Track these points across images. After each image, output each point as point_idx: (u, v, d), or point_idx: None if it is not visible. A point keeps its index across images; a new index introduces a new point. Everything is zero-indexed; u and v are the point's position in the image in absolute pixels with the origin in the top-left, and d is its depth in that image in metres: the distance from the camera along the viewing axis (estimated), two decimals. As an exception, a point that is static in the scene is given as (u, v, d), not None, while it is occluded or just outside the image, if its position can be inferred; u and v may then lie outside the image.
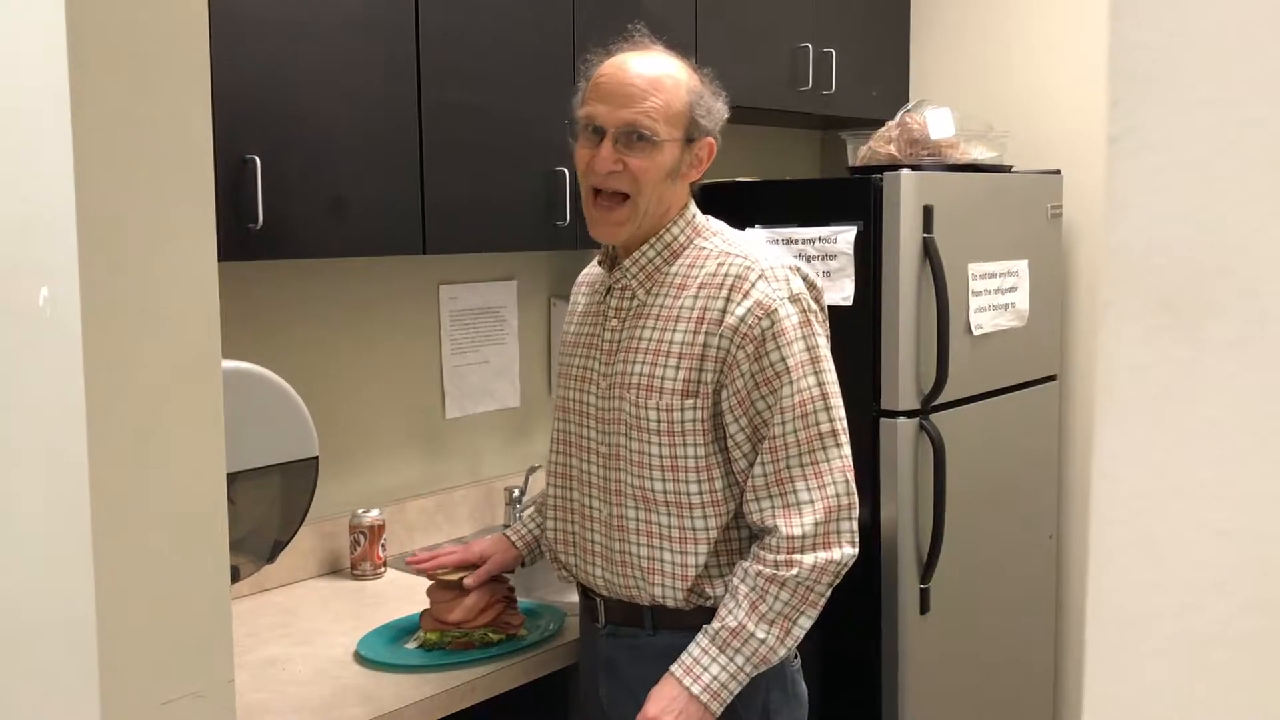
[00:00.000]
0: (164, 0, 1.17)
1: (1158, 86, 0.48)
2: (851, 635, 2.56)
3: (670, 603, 1.74)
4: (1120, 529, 0.51)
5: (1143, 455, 0.50)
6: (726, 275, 1.70)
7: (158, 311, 1.18)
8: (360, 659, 1.97)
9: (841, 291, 2.54)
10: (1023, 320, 2.86)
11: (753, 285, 1.68)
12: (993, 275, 2.74)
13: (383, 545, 2.45)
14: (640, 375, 1.73)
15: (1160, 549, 0.51)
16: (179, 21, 1.19)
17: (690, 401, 1.69)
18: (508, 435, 2.83)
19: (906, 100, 3.19)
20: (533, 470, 2.71)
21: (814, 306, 1.74)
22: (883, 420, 2.54)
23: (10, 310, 1.19)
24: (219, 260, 1.25)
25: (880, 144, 2.78)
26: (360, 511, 2.43)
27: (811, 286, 1.76)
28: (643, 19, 2.51)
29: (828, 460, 1.69)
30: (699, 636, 1.68)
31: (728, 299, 1.68)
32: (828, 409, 1.70)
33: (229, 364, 1.40)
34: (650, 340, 1.73)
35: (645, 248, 1.77)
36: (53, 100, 1.10)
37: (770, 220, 2.66)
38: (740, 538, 1.75)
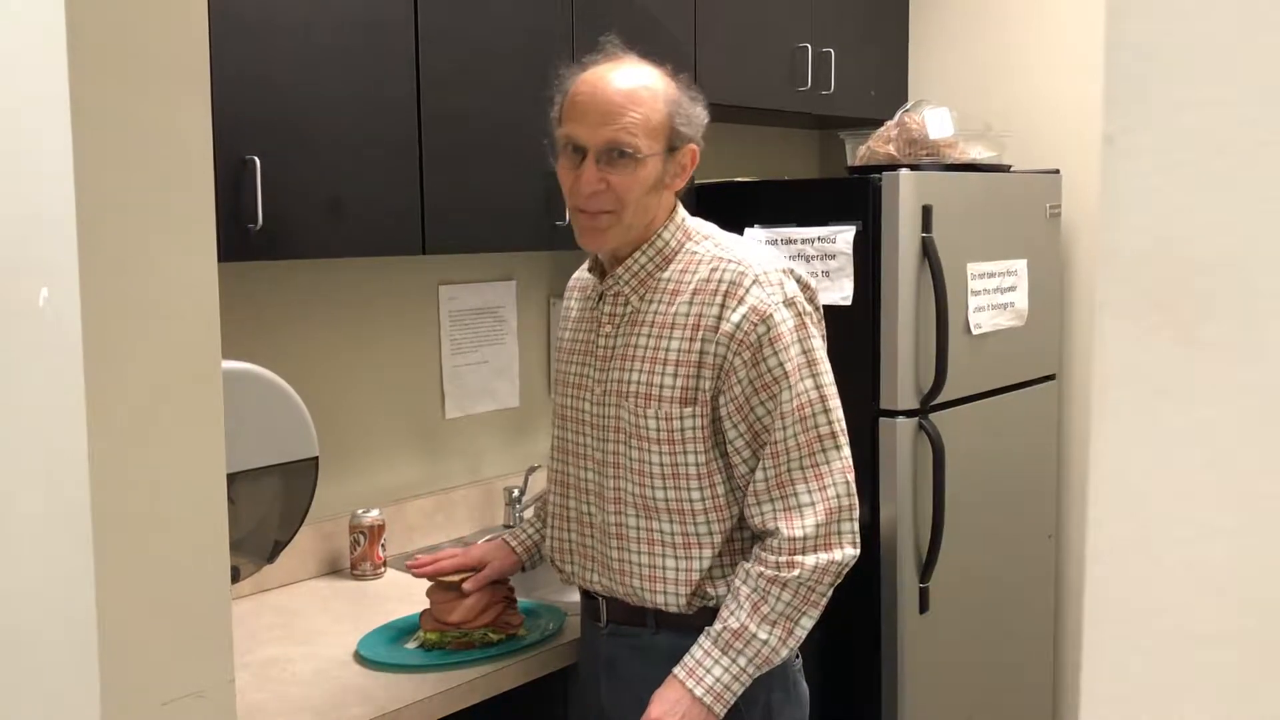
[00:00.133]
0: (163, 1, 1.17)
1: (1153, 87, 0.48)
2: (851, 635, 2.56)
3: (673, 608, 1.74)
4: (1117, 528, 0.52)
5: (1139, 455, 0.50)
6: (720, 281, 1.69)
7: (158, 312, 1.19)
8: (360, 659, 1.97)
9: (840, 291, 2.54)
10: (1022, 320, 2.86)
11: (747, 291, 1.67)
12: (991, 275, 2.74)
13: (383, 545, 2.45)
14: (637, 383, 1.72)
15: (1157, 548, 0.51)
16: (178, 22, 1.19)
17: (689, 409, 1.69)
18: (507, 435, 2.83)
19: (905, 100, 3.20)
20: (532, 470, 2.71)
21: (808, 308, 1.73)
22: (882, 420, 2.54)
23: (10, 311, 1.19)
24: (219, 261, 1.25)
25: (879, 144, 2.78)
26: (360, 512, 2.43)
27: (805, 287, 1.76)
28: (642, 20, 2.51)
29: (828, 462, 1.69)
30: (701, 638, 1.68)
31: (723, 305, 1.67)
32: (826, 411, 1.70)
33: (229, 364, 1.40)
34: (646, 348, 1.73)
35: (637, 254, 1.75)
36: (52, 101, 1.10)
37: (769, 220, 2.66)
38: (743, 538, 1.75)
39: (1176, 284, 0.48)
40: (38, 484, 1.21)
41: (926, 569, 2.57)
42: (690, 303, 1.70)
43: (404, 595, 2.26)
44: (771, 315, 1.66)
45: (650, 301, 1.75)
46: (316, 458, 1.80)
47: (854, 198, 2.55)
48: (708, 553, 1.72)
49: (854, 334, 2.52)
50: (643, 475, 1.73)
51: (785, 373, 1.66)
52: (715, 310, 1.68)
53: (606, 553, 1.79)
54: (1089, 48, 3.08)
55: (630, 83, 1.70)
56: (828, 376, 1.72)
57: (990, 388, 2.79)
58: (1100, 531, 0.52)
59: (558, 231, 2.37)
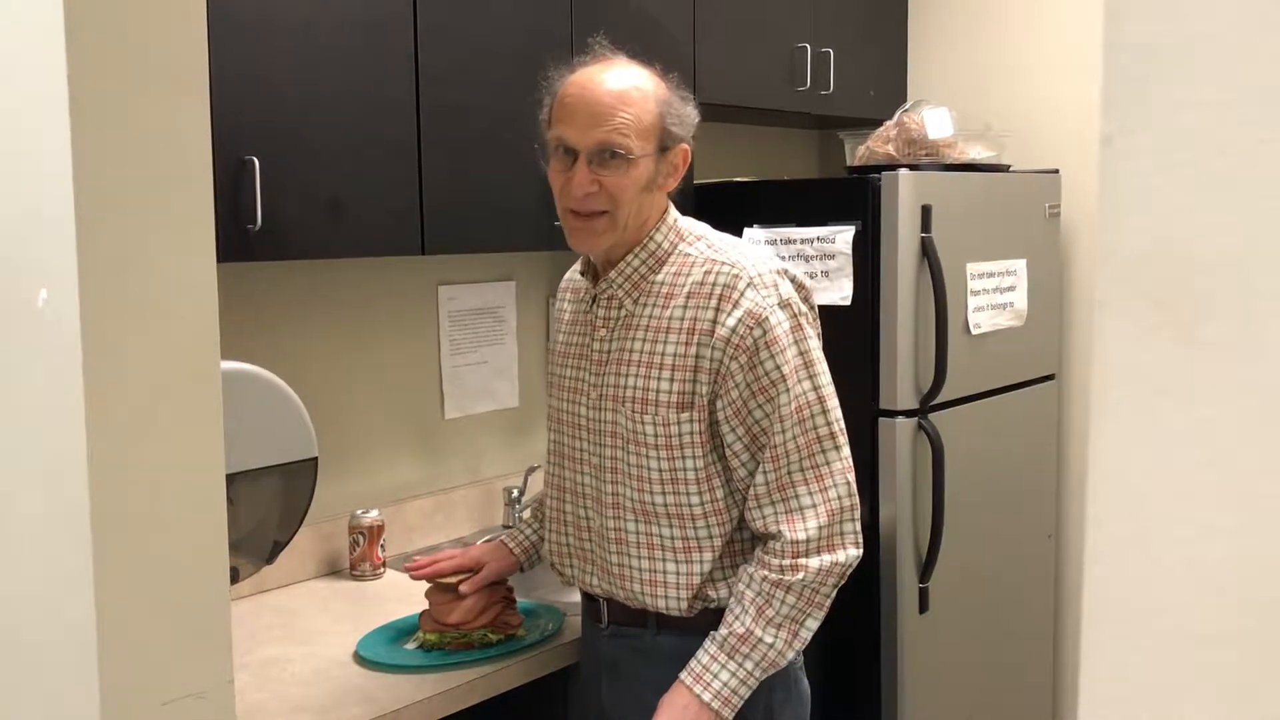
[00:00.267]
0: (162, 2, 1.17)
1: (1152, 87, 0.48)
2: (851, 635, 2.56)
3: (674, 612, 1.74)
4: (1117, 528, 0.52)
5: (1139, 454, 0.50)
6: (715, 284, 1.68)
7: (157, 313, 1.19)
8: (360, 659, 1.97)
9: (840, 291, 2.54)
10: (1021, 320, 2.86)
11: (741, 294, 1.66)
12: (991, 275, 2.74)
13: (382, 546, 2.45)
14: (634, 389, 1.72)
15: (1157, 548, 0.51)
16: (177, 23, 1.19)
17: (686, 414, 1.69)
18: (507, 435, 2.83)
19: (904, 100, 3.19)
20: (532, 470, 2.71)
21: (804, 309, 1.72)
22: (881, 420, 2.54)
23: (9, 311, 1.19)
24: (218, 261, 1.25)
25: (878, 144, 2.78)
26: (359, 512, 2.43)
27: (800, 287, 1.75)
28: (641, 19, 2.51)
29: (828, 464, 1.69)
30: (707, 643, 1.68)
31: (717, 309, 1.67)
32: (825, 412, 1.69)
33: (228, 365, 1.40)
34: (641, 352, 1.72)
35: (630, 257, 1.74)
36: (52, 102, 1.10)
37: (768, 220, 2.66)
38: (743, 540, 1.75)
39: (1176, 284, 0.48)
40: (37, 484, 1.21)
41: (926, 569, 2.57)
42: (685, 306, 1.70)
43: (403, 596, 2.26)
44: (767, 318, 1.66)
45: (644, 305, 1.74)
46: (316, 458, 1.80)
47: (853, 198, 2.55)
48: (708, 556, 1.72)
49: (853, 334, 2.52)
50: (641, 480, 1.72)
51: (782, 375, 1.66)
52: (710, 314, 1.67)
53: (605, 557, 1.79)
54: (1088, 48, 3.08)
55: (621, 83, 1.69)
56: (825, 377, 1.72)
57: (990, 388, 2.79)
58: (1100, 531, 0.52)
59: (557, 232, 2.35)
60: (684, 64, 2.51)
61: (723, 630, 1.67)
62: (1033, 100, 3.19)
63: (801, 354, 1.69)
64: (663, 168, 1.72)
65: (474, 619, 1.95)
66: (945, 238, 2.55)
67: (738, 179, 2.90)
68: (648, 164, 1.69)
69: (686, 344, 1.68)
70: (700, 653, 1.67)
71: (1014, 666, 2.99)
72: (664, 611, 1.75)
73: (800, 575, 1.65)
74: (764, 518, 1.68)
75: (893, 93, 3.27)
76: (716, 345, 1.66)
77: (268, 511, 1.77)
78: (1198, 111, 0.47)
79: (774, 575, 1.66)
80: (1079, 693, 0.53)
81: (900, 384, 2.51)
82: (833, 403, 1.71)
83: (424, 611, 2.00)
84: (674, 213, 1.79)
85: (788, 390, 1.66)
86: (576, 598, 1.96)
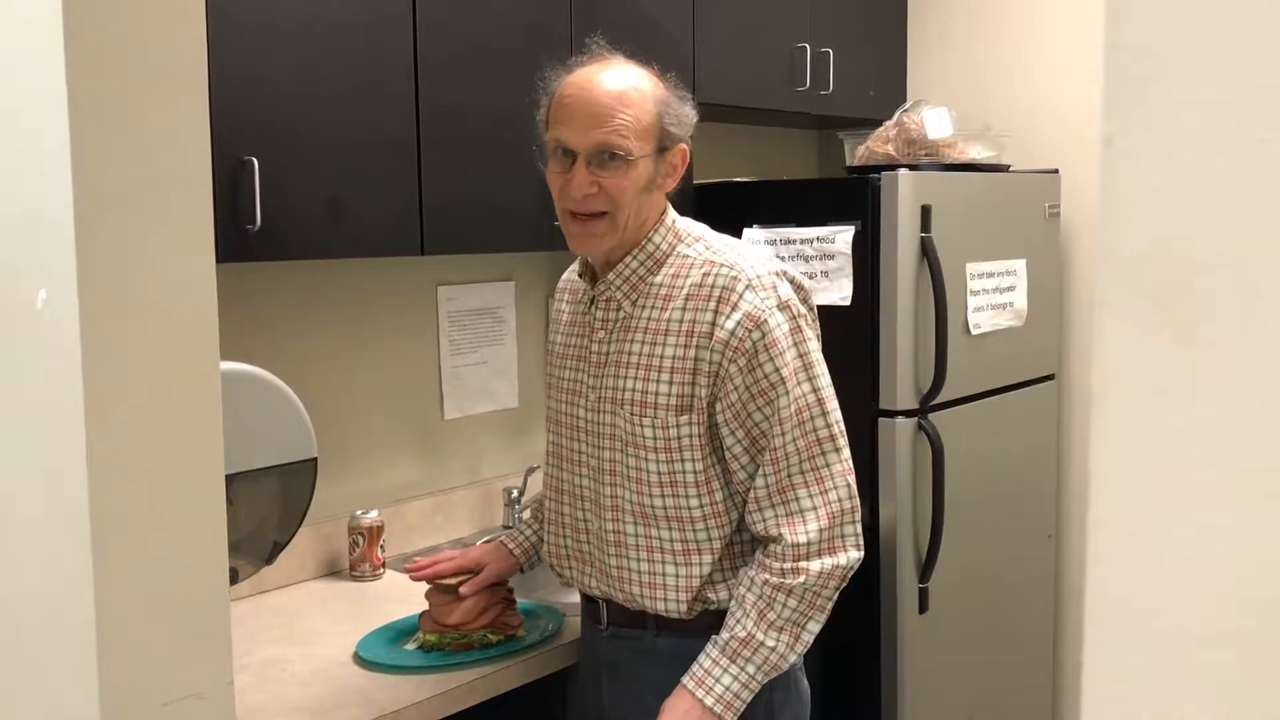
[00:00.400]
0: (161, 2, 1.17)
1: (1152, 87, 0.48)
2: (851, 635, 2.56)
3: (674, 614, 1.74)
4: (1117, 528, 0.52)
5: (1139, 454, 0.50)
6: (713, 286, 1.67)
7: (156, 313, 1.18)
8: (359, 660, 1.97)
9: (839, 291, 2.54)
10: (1021, 320, 2.86)
11: (740, 296, 1.66)
12: (991, 275, 2.74)
13: (381, 546, 2.45)
14: (632, 391, 1.71)
15: (1157, 548, 0.51)
16: (176, 23, 1.19)
17: (685, 417, 1.68)
18: (506, 436, 2.83)
19: (904, 100, 3.19)
20: (531, 471, 2.71)
21: (802, 310, 1.72)
22: (881, 420, 2.54)
23: (9, 312, 1.19)
24: (217, 261, 1.25)
25: (878, 144, 2.78)
26: (359, 513, 2.43)
27: (799, 288, 1.74)
28: (641, 19, 2.51)
29: (828, 466, 1.68)
30: (708, 647, 1.68)
31: (716, 311, 1.66)
32: (824, 414, 1.69)
33: (227, 365, 1.40)
34: (640, 355, 1.71)
35: (628, 259, 1.74)
36: (50, 102, 1.10)
37: (768, 220, 2.66)
38: (742, 542, 1.75)
39: (1176, 284, 0.48)
40: (37, 485, 1.21)
41: (926, 569, 2.57)
42: (684, 309, 1.69)
43: (403, 596, 2.26)
44: (766, 320, 1.65)
45: (643, 307, 1.73)
46: (315, 459, 1.80)
47: (853, 198, 2.55)
48: (708, 559, 1.72)
49: (853, 334, 2.52)
50: (640, 484, 1.72)
51: (782, 378, 1.66)
52: (709, 316, 1.67)
53: (605, 559, 1.79)
54: (1088, 48, 3.09)
55: (619, 84, 1.69)
56: (825, 379, 1.71)
57: (990, 388, 2.79)
58: (1100, 531, 0.52)
59: (557, 232, 2.35)
60: (684, 64, 2.51)
61: (724, 634, 1.67)
62: (1032, 100, 3.19)
63: (801, 356, 1.69)
64: (662, 168, 1.72)
65: (474, 620, 1.95)
66: (945, 238, 2.55)
67: (737, 179, 2.90)
68: (647, 164, 1.69)
69: (685, 346, 1.68)
70: (702, 656, 1.67)
71: (1014, 666, 2.99)
72: (663, 614, 1.75)
73: (801, 578, 1.65)
74: (764, 521, 1.68)
75: (892, 93, 3.27)
76: (715, 348, 1.66)
77: (267, 512, 1.77)
78: (1198, 112, 0.47)
79: (775, 578, 1.65)
80: (1081, 693, 0.53)
81: (900, 384, 2.51)
82: (832, 404, 1.71)
83: (424, 612, 2.00)
84: (672, 213, 1.79)
85: (787, 392, 1.66)
86: (576, 598, 1.96)
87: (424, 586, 1.99)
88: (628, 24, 2.44)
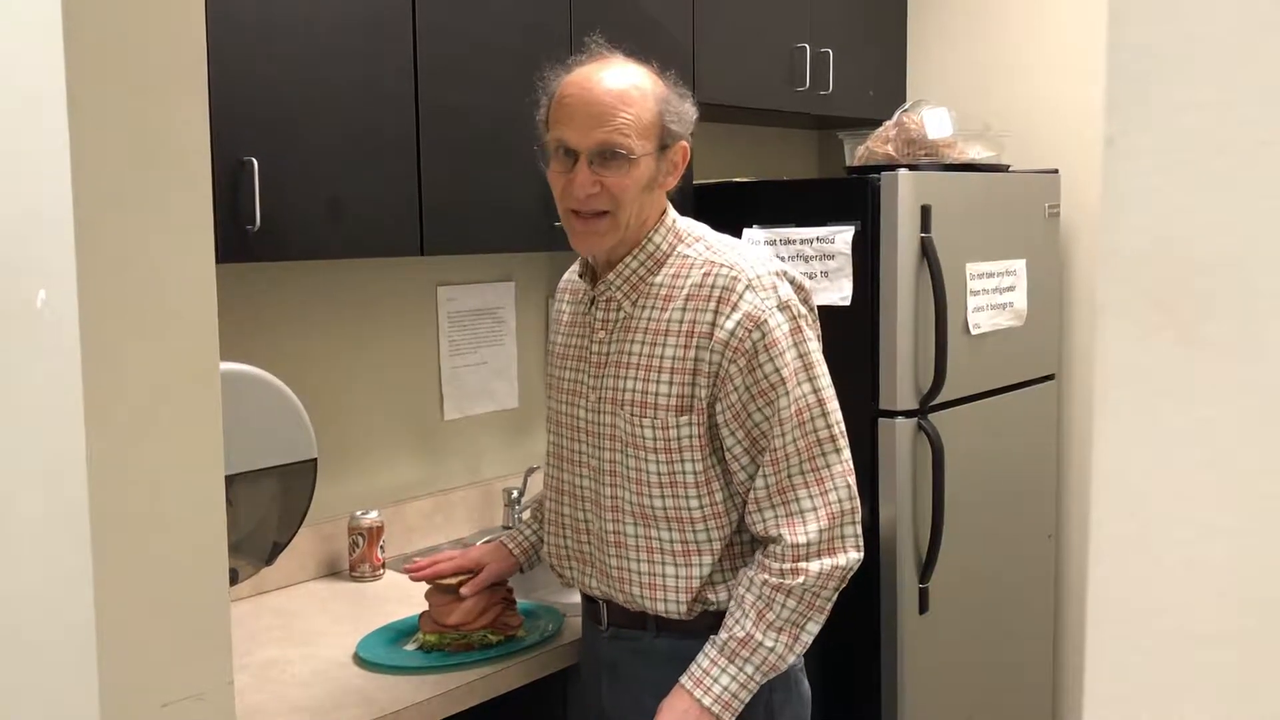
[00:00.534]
0: (161, 2, 1.17)
1: (1154, 88, 0.48)
2: (851, 635, 2.56)
3: (674, 615, 1.74)
4: (1118, 528, 0.52)
5: (1140, 455, 0.50)
6: (714, 287, 1.67)
7: (155, 313, 1.18)
8: (359, 661, 1.97)
9: (839, 292, 2.54)
10: (1021, 320, 2.86)
11: (740, 297, 1.65)
12: (990, 275, 2.74)
13: (381, 547, 2.45)
14: (633, 391, 1.71)
15: (1158, 548, 0.51)
16: (176, 23, 1.19)
17: (685, 418, 1.68)
18: (506, 436, 2.83)
19: (904, 100, 3.20)
20: (531, 471, 2.71)
21: (803, 310, 1.71)
22: (881, 420, 2.54)
23: (8, 312, 1.19)
24: (217, 262, 1.25)
25: (878, 144, 2.78)
26: (359, 513, 2.43)
27: (799, 289, 1.74)
28: (640, 19, 2.51)
29: (828, 467, 1.68)
30: (707, 647, 1.68)
31: (716, 311, 1.66)
32: (825, 414, 1.69)
33: (227, 366, 1.40)
34: (640, 355, 1.71)
35: (628, 259, 1.73)
36: (50, 102, 1.10)
37: (768, 220, 2.66)
38: (742, 544, 1.75)
39: (1177, 284, 0.48)
40: (36, 486, 1.21)
41: (926, 569, 2.57)
42: (684, 309, 1.69)
43: (403, 597, 2.26)
44: (766, 321, 1.65)
45: (643, 307, 1.73)
46: (315, 459, 1.80)
47: (853, 198, 2.55)
48: (708, 560, 1.71)
49: (853, 334, 2.52)
50: (640, 484, 1.72)
51: (782, 378, 1.65)
52: (709, 317, 1.67)
53: (605, 560, 1.78)
54: (1087, 48, 3.09)
55: (620, 83, 1.69)
56: (825, 380, 1.71)
57: (989, 388, 2.79)
58: (1101, 531, 0.52)
59: (556, 232, 2.36)
60: (683, 64, 2.51)
61: (723, 634, 1.67)
62: (1032, 100, 3.19)
63: (801, 356, 1.68)
64: (663, 166, 1.72)
65: (474, 620, 1.95)
66: (945, 238, 2.55)
67: (737, 179, 2.90)
68: (648, 163, 1.69)
69: (685, 346, 1.68)
70: (700, 656, 1.67)
71: (1014, 666, 2.99)
72: (663, 615, 1.74)
73: (800, 579, 1.65)
74: (764, 521, 1.68)
75: (892, 93, 3.27)
76: (715, 348, 1.66)
77: (267, 513, 1.77)
78: (1199, 112, 0.47)
79: (774, 579, 1.65)
80: (1083, 692, 0.53)
81: (900, 384, 2.51)
82: (833, 405, 1.71)
83: (424, 613, 2.00)
84: (673, 213, 1.79)
85: (787, 393, 1.66)
86: (576, 599, 1.96)
87: (424, 587, 1.99)
88: (628, 24, 2.44)
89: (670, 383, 1.68)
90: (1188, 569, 0.50)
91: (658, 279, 1.73)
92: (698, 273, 1.70)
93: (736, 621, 1.66)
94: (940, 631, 2.64)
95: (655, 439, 1.69)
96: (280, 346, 2.36)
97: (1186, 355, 0.49)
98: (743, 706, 1.66)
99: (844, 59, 3.06)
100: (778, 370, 1.65)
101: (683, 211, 1.83)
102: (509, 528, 2.60)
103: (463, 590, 1.92)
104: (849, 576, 1.70)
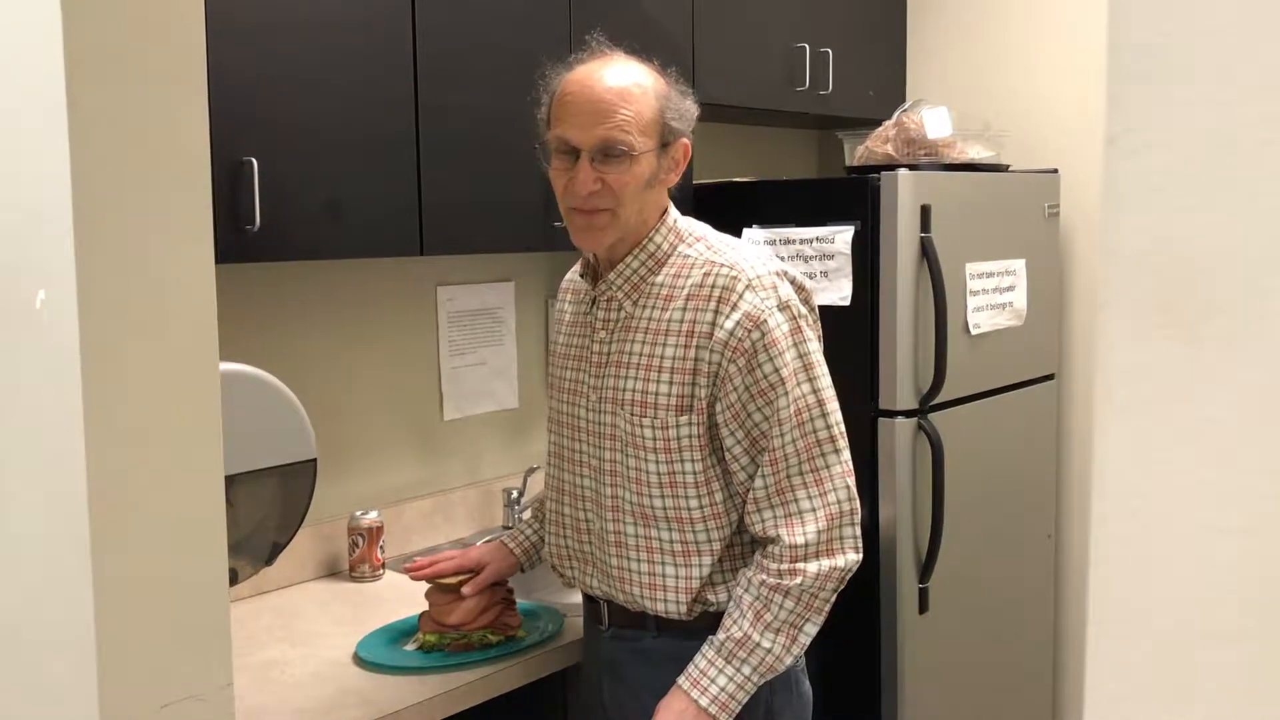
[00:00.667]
0: (160, 2, 1.17)
1: (1156, 87, 0.48)
2: (850, 635, 2.56)
3: (674, 615, 1.74)
4: (1119, 528, 0.51)
5: (1142, 454, 0.50)
6: (714, 286, 1.67)
7: (155, 314, 1.18)
8: (359, 661, 1.97)
9: (839, 291, 2.54)
10: (1020, 319, 2.86)
11: (740, 296, 1.66)
12: (990, 274, 2.74)
13: (381, 547, 2.45)
14: (633, 391, 1.71)
15: (1159, 548, 0.51)
16: (175, 23, 1.19)
17: (684, 418, 1.68)
18: (506, 436, 2.83)
19: (903, 100, 3.19)
20: (531, 471, 2.71)
21: (803, 310, 1.71)
22: (881, 420, 2.54)
23: (8, 313, 1.19)
24: (216, 262, 1.25)
25: (877, 144, 2.78)
26: (358, 513, 2.43)
27: (800, 289, 1.74)
28: (640, 19, 2.51)
29: (828, 467, 1.68)
30: (704, 647, 1.67)
31: (716, 311, 1.66)
32: (824, 415, 1.69)
33: (227, 366, 1.40)
34: (640, 355, 1.71)
35: (629, 259, 1.74)
36: (49, 102, 1.10)
37: (767, 220, 2.66)
38: (742, 544, 1.75)
39: (1178, 284, 0.48)
40: (36, 486, 1.21)
41: (926, 569, 2.57)
42: (684, 309, 1.69)
43: (403, 597, 2.26)
44: (766, 320, 1.65)
45: (644, 307, 1.73)
46: (315, 459, 1.80)
47: (852, 198, 2.55)
48: (707, 560, 1.71)
49: (853, 334, 2.52)
50: (640, 484, 1.72)
51: (781, 378, 1.65)
52: (709, 316, 1.67)
53: (606, 560, 1.78)
54: (1088, 46, 3.09)
55: (621, 80, 1.69)
56: (825, 380, 1.71)
57: (989, 387, 2.79)
58: (1101, 531, 0.52)
59: (556, 232, 2.37)
60: (683, 64, 2.51)
61: (720, 635, 1.67)
62: (1032, 100, 3.19)
63: (801, 356, 1.68)
64: (664, 163, 1.72)
65: (474, 620, 1.95)
66: (944, 238, 2.55)
67: (737, 179, 2.89)
68: (649, 160, 1.69)
69: (685, 346, 1.68)
70: (698, 657, 1.67)
71: (1014, 666, 2.99)
72: (663, 615, 1.74)
73: (798, 580, 1.65)
74: (763, 521, 1.68)
75: (892, 92, 3.27)
76: (715, 348, 1.66)
77: (267, 513, 1.77)
78: (1200, 112, 0.47)
79: (772, 580, 1.65)
80: (1085, 692, 0.53)
81: (900, 384, 2.51)
82: (833, 405, 1.71)
83: (423, 613, 2.00)
84: (674, 213, 1.79)
85: (786, 393, 1.65)
86: (577, 599, 1.96)
87: (423, 587, 1.99)
88: (627, 24, 2.44)
89: (670, 382, 1.68)
90: (1188, 569, 0.50)
91: (658, 279, 1.73)
92: (698, 272, 1.70)
93: (734, 622, 1.66)
94: (940, 631, 2.64)
95: (655, 439, 1.69)
96: (280, 346, 2.36)
97: (1187, 355, 0.49)
98: (740, 707, 1.66)
99: (844, 59, 3.06)
100: (777, 370, 1.65)
101: (682, 211, 1.83)
102: (509, 528, 2.60)
103: (464, 590, 1.92)
104: (847, 578, 1.70)
